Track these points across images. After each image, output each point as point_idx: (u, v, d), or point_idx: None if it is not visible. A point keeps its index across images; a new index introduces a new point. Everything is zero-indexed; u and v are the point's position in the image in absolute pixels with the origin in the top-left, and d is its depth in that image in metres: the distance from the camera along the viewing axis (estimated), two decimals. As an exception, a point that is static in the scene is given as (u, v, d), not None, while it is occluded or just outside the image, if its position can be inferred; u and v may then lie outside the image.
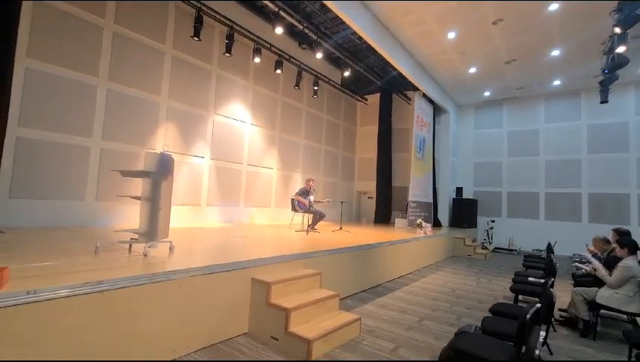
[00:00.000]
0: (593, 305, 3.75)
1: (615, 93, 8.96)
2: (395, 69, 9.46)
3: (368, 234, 7.56)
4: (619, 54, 6.59)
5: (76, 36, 5.80)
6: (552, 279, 3.29)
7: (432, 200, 11.86)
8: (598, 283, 4.16)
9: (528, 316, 1.98)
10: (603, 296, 3.62)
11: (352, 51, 9.59)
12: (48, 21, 5.47)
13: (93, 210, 6.00)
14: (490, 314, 3.23)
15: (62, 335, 2.18)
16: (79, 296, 2.27)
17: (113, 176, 5.92)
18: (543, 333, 1.71)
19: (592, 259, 4.10)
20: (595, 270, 4.01)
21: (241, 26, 7.99)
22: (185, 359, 2.83)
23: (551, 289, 2.62)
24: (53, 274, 2.50)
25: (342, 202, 8.81)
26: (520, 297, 4.83)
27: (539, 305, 2.18)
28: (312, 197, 7.49)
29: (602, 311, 3.76)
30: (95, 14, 6.01)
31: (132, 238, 3.68)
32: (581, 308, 3.81)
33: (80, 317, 2.27)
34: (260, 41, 8.37)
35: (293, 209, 7.75)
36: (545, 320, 2.35)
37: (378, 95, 12.67)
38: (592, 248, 4.86)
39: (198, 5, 7.04)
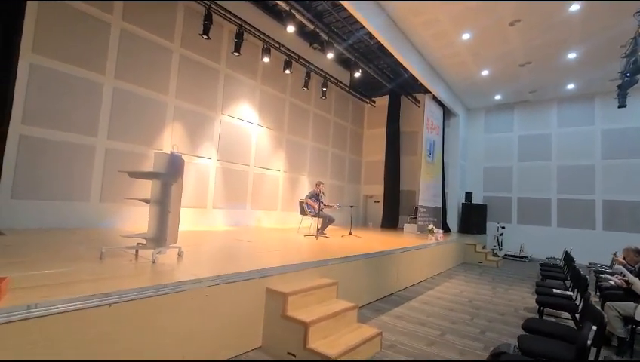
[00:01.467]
0: (629, 321, 3.51)
1: (631, 97, 8.70)
2: (406, 71, 9.27)
3: (379, 240, 7.34)
4: (642, 57, 6.37)
5: (83, 32, 5.64)
6: (590, 293, 3.05)
7: (441, 205, 11.61)
8: (630, 296, 3.92)
9: (589, 342, 1.76)
10: (643, 312, 3.38)
11: (363, 52, 9.40)
12: (55, 17, 5.31)
13: (98, 211, 5.80)
14: (522, 332, 3.00)
15: (65, 353, 1.97)
16: (85, 309, 2.05)
17: (118, 176, 5.73)
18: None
19: (628, 273, 3.85)
20: (629, 284, 3.77)
21: (250, 25, 7.81)
22: (196, 377, 2.61)
23: (600, 310, 2.39)
24: (56, 284, 2.29)
25: (351, 206, 8.58)
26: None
27: (595, 328, 1.95)
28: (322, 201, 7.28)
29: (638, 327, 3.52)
30: (103, 11, 5.85)
31: (139, 243, 3.47)
32: (616, 324, 3.56)
33: (85, 333, 2.06)
34: (270, 41, 8.19)
35: (302, 212, 7.53)
36: (596, 344, 2.12)
37: (386, 97, 12.48)
38: (620, 259, 4.62)
39: (208, 4, 6.87)
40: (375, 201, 13.01)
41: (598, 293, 5.17)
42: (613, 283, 4.40)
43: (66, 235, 4.66)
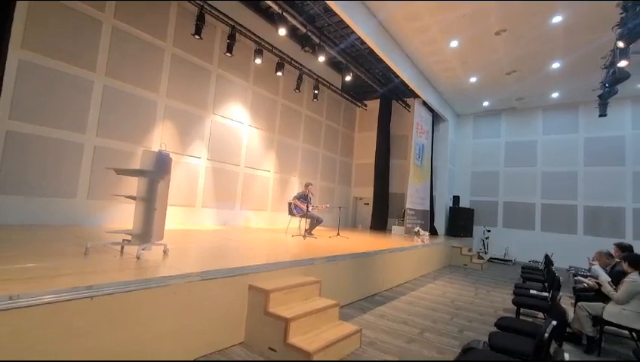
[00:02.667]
0: (598, 321, 3.67)
1: (612, 107, 9.01)
2: (397, 76, 9.43)
3: (366, 241, 7.45)
4: (620, 68, 6.62)
5: (74, 29, 5.64)
6: (560, 294, 3.20)
7: (429, 208, 11.80)
8: (600, 297, 4.09)
9: (547, 335, 1.88)
10: (610, 312, 3.54)
11: (354, 56, 9.55)
12: (45, 12, 5.30)
13: (85, 208, 5.79)
14: (495, 329, 3.13)
15: (46, 345, 2.02)
16: (66, 301, 2.10)
17: (106, 173, 5.73)
18: (567, 355, 1.60)
19: (601, 273, 4.01)
20: (599, 285, 3.94)
21: (243, 26, 7.89)
22: (177, 370, 2.66)
23: (563, 306, 2.53)
24: (39, 277, 2.34)
25: (340, 208, 8.68)
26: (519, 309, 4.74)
27: (555, 323, 2.07)
28: (310, 202, 7.36)
29: (607, 326, 3.68)
30: (95, 7, 5.86)
31: (125, 239, 3.51)
32: (586, 323, 3.72)
33: (67, 325, 2.10)
34: (262, 43, 8.27)
35: (291, 213, 7.60)
36: (557, 339, 2.25)
37: (377, 101, 12.65)
38: (594, 262, 4.80)
39: (201, 4, 6.92)
40: (365, 203, 13.16)
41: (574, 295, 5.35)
42: (586, 285, 4.59)
43: (52, 231, 4.66)
